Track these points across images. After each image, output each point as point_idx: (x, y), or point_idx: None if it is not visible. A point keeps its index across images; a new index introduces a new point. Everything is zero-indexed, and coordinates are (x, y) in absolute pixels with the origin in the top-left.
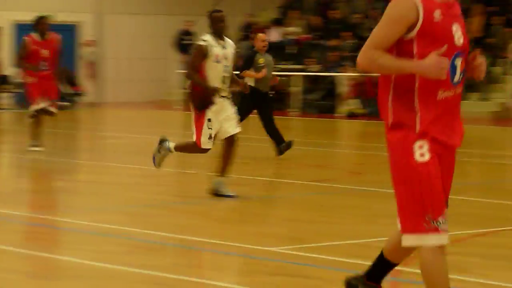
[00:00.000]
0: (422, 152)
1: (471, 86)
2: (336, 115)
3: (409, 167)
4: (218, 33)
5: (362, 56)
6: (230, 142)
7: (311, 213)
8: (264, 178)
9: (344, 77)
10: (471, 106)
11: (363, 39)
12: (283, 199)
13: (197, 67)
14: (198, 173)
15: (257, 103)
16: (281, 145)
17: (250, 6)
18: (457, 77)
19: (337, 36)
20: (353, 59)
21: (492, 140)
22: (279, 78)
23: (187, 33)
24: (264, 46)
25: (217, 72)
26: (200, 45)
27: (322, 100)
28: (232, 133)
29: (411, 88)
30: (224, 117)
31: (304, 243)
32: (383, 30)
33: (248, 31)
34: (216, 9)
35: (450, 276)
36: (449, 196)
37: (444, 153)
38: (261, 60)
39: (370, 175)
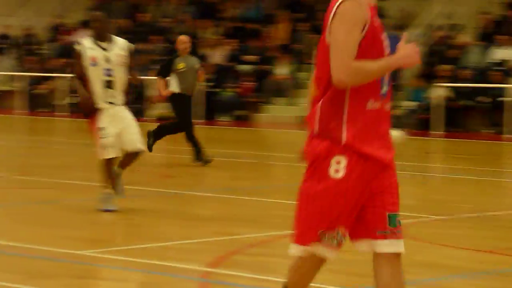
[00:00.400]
0: (337, 168)
1: (278, 91)
2: (145, 118)
3: (321, 180)
4: (97, 35)
5: (344, 72)
6: (132, 156)
7: (121, 216)
8: (73, 182)
9: (154, 81)
10: (278, 111)
11: (172, 43)
12: (93, 202)
13: (78, 72)
14: (4, 176)
15: (187, 108)
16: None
17: (59, 7)
18: (384, 88)
19: (146, 40)
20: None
21: (298, 144)
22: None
23: (3, 37)
24: (185, 48)
25: (96, 75)
26: (74, 49)
27: (132, 103)
28: (135, 151)
29: (342, 96)
30: (124, 126)
31: (114, 246)
32: (348, 39)
33: (56, 33)
34: (95, 12)
35: (259, 276)
36: (257, 199)
37: (374, 168)
38: (180, 65)
39: (181, 178)
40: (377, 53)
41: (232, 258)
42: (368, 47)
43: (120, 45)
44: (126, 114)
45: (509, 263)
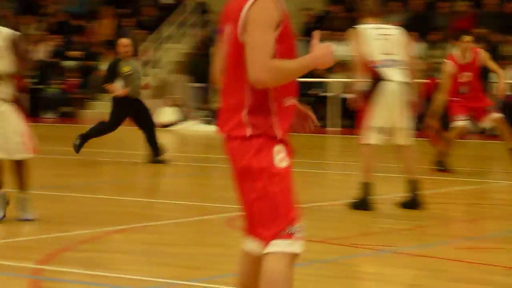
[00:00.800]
0: (281, 157)
1: (104, 87)
2: None
3: (271, 173)
4: None
5: (263, 71)
6: (18, 165)
7: None
8: None
9: None
10: (104, 107)
11: None
12: None
13: None
14: None
15: (130, 111)
16: (157, 157)
17: None
18: (295, 85)
19: None
20: None
21: (125, 140)
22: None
23: None
24: (126, 52)
25: None
26: None
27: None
28: (18, 159)
29: (266, 96)
30: (4, 132)
31: None
32: (267, 38)
33: None
34: None
35: (90, 272)
36: (85, 195)
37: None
38: (125, 68)
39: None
40: (291, 49)
41: (62, 255)
42: (283, 44)
43: (1, 35)
44: (10, 118)
45: (339, 252)
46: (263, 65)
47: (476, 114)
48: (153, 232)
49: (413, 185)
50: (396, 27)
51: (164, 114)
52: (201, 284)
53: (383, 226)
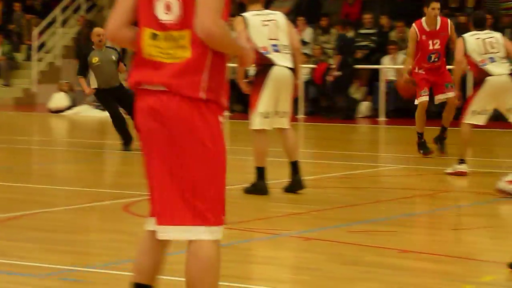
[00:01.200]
0: (222, 127)
1: None
2: None
3: (222, 149)
4: None
5: (215, 25)
6: None
7: None
8: None
9: None
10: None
11: None
12: None
13: None
14: None
15: (113, 100)
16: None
17: None
18: None
19: None
20: None
21: (17, 126)
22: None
23: None
24: (100, 41)
25: None
26: None
27: None
28: None
29: (223, 63)
30: None
31: None
32: None
33: None
34: None
35: None
36: None
37: None
38: (94, 59)
39: None
40: (226, 18)
41: None
42: (225, 10)
43: None
44: None
45: (235, 236)
46: (217, 18)
47: (434, 88)
48: (48, 219)
49: (295, 168)
50: (280, 12)
51: (55, 99)
52: (98, 270)
53: (279, 211)
